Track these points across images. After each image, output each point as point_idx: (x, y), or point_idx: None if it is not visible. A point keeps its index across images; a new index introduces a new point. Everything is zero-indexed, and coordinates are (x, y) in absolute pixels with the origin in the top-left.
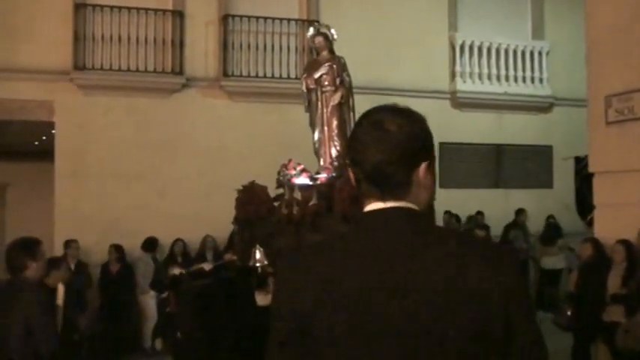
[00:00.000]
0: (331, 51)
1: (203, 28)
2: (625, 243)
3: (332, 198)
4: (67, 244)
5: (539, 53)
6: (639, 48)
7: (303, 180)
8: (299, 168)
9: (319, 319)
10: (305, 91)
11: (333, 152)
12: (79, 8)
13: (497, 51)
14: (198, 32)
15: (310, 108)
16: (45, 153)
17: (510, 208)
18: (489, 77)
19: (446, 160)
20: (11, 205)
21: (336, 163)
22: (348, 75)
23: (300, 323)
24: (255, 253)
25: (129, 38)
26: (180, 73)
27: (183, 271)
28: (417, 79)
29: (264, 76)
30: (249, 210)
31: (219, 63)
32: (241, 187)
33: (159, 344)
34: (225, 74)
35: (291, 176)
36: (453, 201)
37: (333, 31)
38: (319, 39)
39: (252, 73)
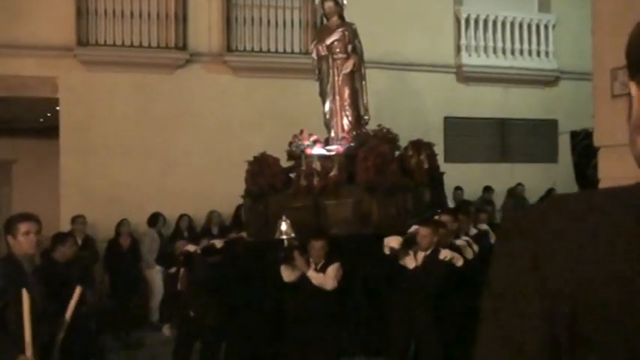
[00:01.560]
0: (341, 17)
1: (206, 2)
2: None
3: (354, 168)
4: (75, 219)
5: (545, 26)
6: None
7: (320, 150)
8: (312, 138)
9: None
10: (315, 58)
11: (345, 122)
12: None
13: (503, 24)
14: (201, 7)
15: (320, 77)
16: (50, 129)
17: (515, 183)
18: (495, 51)
19: (451, 134)
20: (17, 182)
21: (354, 133)
22: (360, 42)
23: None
24: (280, 224)
25: (132, 13)
26: (184, 48)
27: (198, 248)
28: (422, 53)
29: (269, 51)
30: (261, 182)
31: (222, 38)
32: (252, 159)
33: (167, 331)
34: (229, 49)
35: (306, 147)
36: (458, 175)
37: None
38: (329, 4)
39: (257, 48)
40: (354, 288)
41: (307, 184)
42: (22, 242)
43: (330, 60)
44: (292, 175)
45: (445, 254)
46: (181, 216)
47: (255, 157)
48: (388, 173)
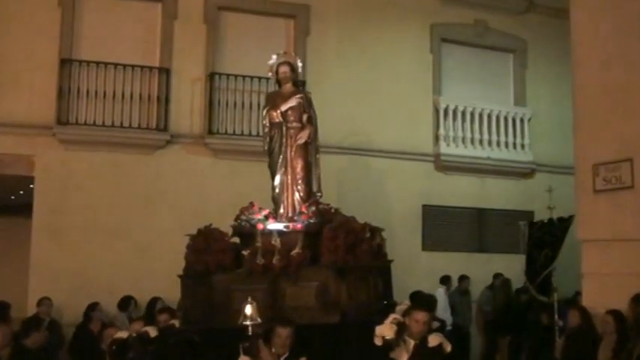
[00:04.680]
0: (295, 84)
1: (189, 85)
2: (615, 313)
3: (317, 247)
4: (42, 301)
5: (521, 119)
6: (627, 117)
7: (277, 225)
8: (264, 212)
9: None
10: (268, 125)
11: (296, 198)
12: (64, 63)
13: (480, 116)
14: (184, 89)
15: (271, 147)
16: (22, 207)
17: (493, 273)
18: (472, 141)
19: (429, 222)
20: None
21: (313, 208)
22: (314, 112)
23: None
24: (245, 307)
25: (114, 94)
26: (165, 129)
27: (133, 335)
28: (401, 141)
29: (249, 135)
30: (207, 259)
31: (204, 120)
32: (195, 233)
33: None
34: (210, 132)
35: (257, 221)
36: (436, 264)
37: (298, 61)
38: (285, 69)
39: (237, 132)
40: None
41: (265, 263)
42: None
43: (284, 129)
44: (245, 253)
45: (434, 340)
46: (153, 299)
47: (199, 231)
48: (360, 254)
